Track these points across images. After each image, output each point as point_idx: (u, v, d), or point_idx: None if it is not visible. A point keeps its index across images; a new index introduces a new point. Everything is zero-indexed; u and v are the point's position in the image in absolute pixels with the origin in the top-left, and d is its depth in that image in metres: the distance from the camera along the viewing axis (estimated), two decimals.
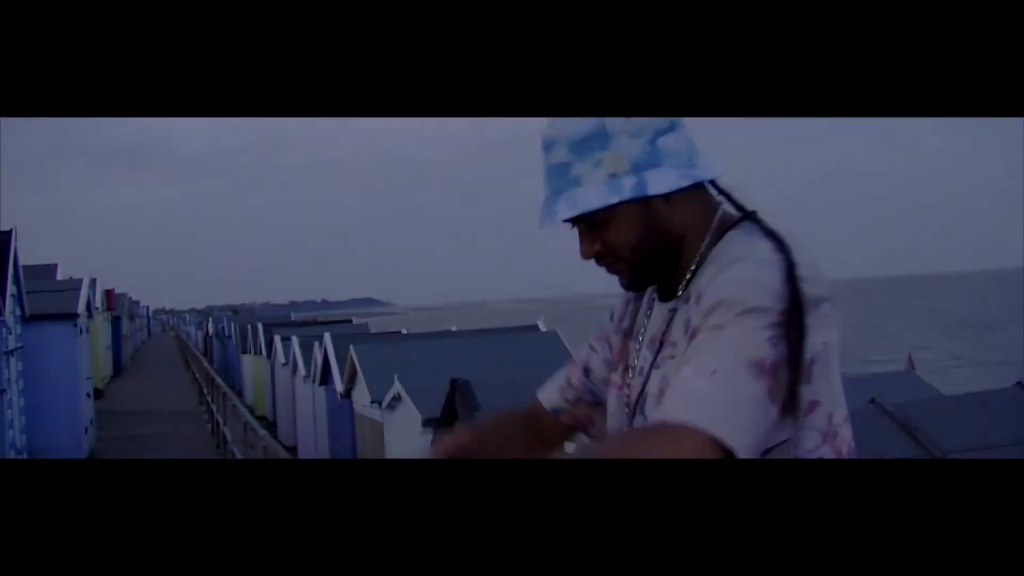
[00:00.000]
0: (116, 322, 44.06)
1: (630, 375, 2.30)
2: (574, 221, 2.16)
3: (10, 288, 18.85)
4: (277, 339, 36.68)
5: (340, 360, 24.96)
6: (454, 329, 29.80)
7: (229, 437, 18.25)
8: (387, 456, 20.37)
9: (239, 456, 15.84)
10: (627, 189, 2.08)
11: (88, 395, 22.40)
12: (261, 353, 41.97)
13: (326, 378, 26.72)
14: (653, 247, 2.15)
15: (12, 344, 18.98)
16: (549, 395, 2.58)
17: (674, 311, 2.18)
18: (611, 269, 2.21)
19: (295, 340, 32.01)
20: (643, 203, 2.11)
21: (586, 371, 2.52)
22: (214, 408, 23.41)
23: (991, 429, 8.29)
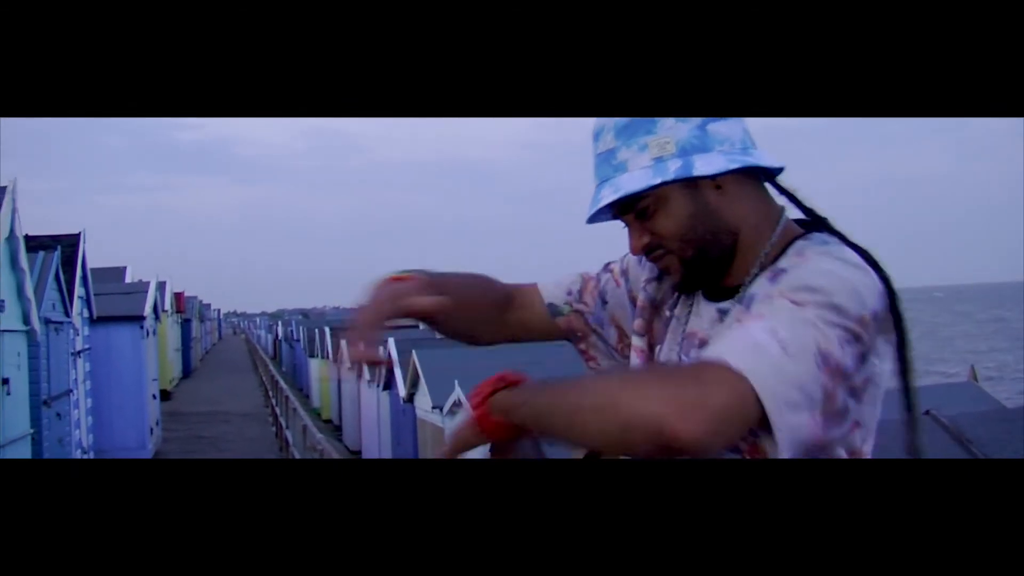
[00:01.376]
0: (186, 324, 44.60)
1: (657, 356, 2.23)
2: (622, 213, 2.08)
3: (78, 290, 19.15)
4: (344, 343, 36.98)
5: (403, 365, 25.01)
6: None
7: (291, 440, 18.37)
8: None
9: (299, 458, 15.95)
10: (671, 171, 2.00)
11: (154, 396, 22.71)
12: (328, 357, 42.36)
13: (390, 383, 26.89)
14: (704, 238, 2.05)
15: (80, 345, 19.27)
16: (551, 291, 2.45)
17: (724, 312, 2.08)
18: (661, 264, 2.12)
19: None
20: (692, 189, 2.03)
21: (603, 301, 2.41)
22: (278, 411, 23.60)
23: None
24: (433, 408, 21.41)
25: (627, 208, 2.06)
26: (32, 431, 15.18)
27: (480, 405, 2.06)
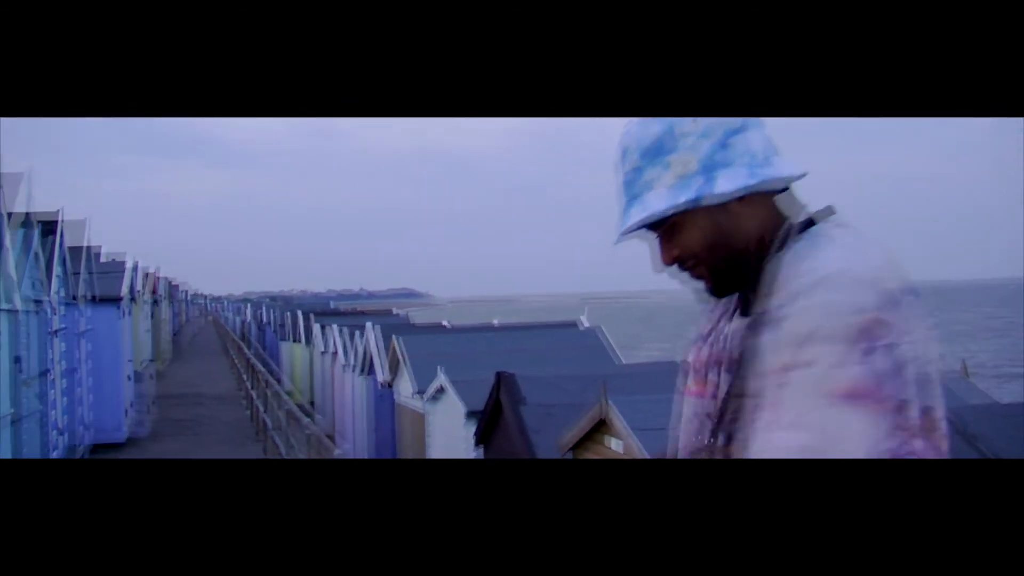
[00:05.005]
0: (156, 306, 44.36)
1: (707, 390, 2.24)
2: (652, 229, 2.13)
3: (56, 270, 18.90)
4: (318, 327, 36.92)
5: (382, 351, 25.23)
6: (495, 323, 30.30)
7: (270, 424, 18.21)
8: (428, 446, 20.85)
9: (279, 444, 15.84)
10: (694, 189, 2.05)
11: (129, 377, 22.49)
12: (301, 341, 42.27)
13: (368, 368, 27.00)
14: (732, 249, 2.11)
15: (56, 325, 19.02)
16: None
17: (749, 329, 2.10)
18: (693, 275, 2.16)
19: (336, 329, 32.24)
20: (716, 204, 2.07)
21: None
22: (253, 394, 23.45)
23: None
24: (415, 393, 21.56)
25: (656, 224, 2.11)
26: (12, 411, 14.96)
27: None
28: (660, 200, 2.06)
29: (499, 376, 15.65)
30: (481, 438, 16.74)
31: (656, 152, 2.08)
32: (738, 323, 2.17)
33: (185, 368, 39.39)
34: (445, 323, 34.75)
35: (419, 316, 45.18)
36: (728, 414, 2.12)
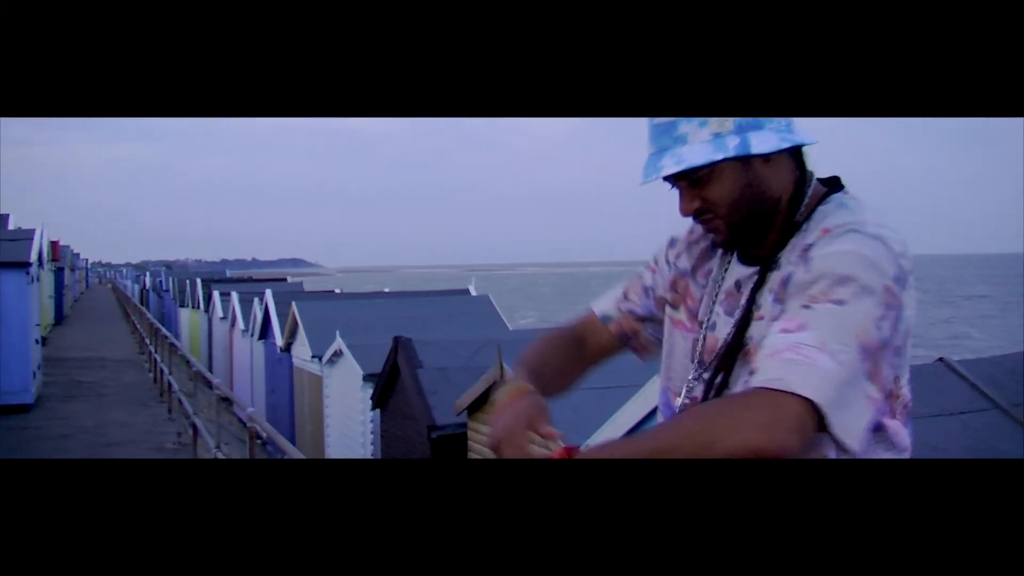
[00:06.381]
0: (59, 273, 44.47)
1: (701, 325, 2.35)
2: (676, 179, 2.21)
3: None
4: (216, 294, 37.55)
5: (281, 316, 25.75)
6: (387, 290, 30.79)
7: (175, 386, 19.11)
8: (325, 407, 21.37)
9: (186, 405, 16.73)
10: (731, 147, 2.13)
11: (36, 341, 22.93)
12: (199, 307, 42.62)
13: (266, 333, 27.67)
14: (751, 206, 2.19)
15: None
16: (603, 305, 2.63)
17: (760, 275, 2.22)
18: (708, 227, 2.25)
19: (235, 295, 32.90)
20: (744, 163, 2.16)
21: (646, 290, 2.55)
22: (157, 357, 24.14)
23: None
24: (312, 357, 22.06)
25: (682, 176, 2.18)
26: None
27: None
28: (696, 154, 2.13)
29: (396, 340, 15.98)
30: (378, 401, 17.14)
31: None
32: (741, 269, 2.29)
33: (87, 333, 39.60)
34: (337, 290, 35.58)
35: (309, 284, 45.55)
36: (728, 353, 2.22)
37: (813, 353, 1.93)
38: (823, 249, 2.08)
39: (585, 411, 9.45)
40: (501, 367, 11.90)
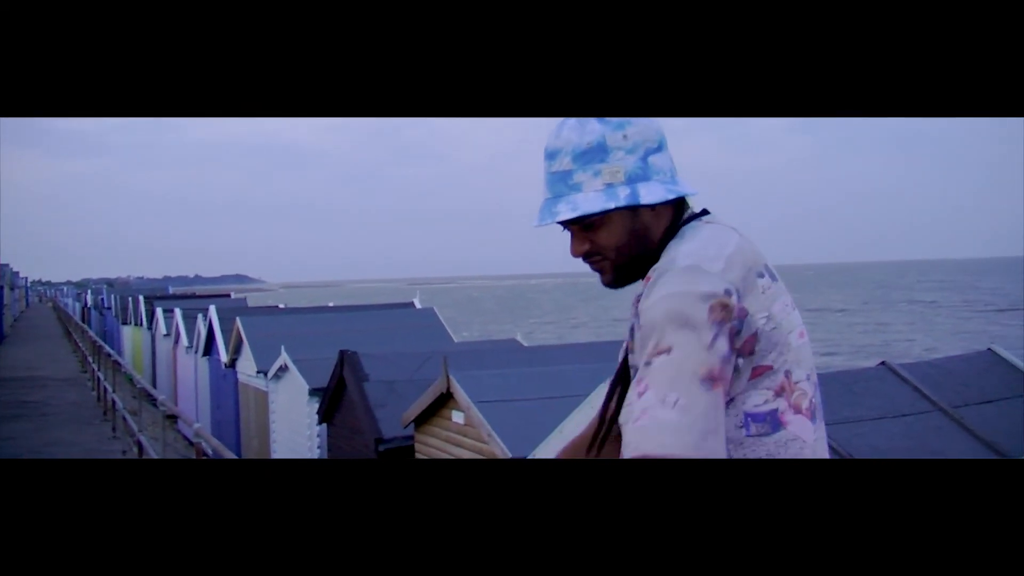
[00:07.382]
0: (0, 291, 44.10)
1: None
2: (568, 223, 2.33)
3: None
4: (159, 311, 37.40)
5: (225, 332, 25.63)
6: (332, 304, 30.77)
7: (119, 404, 19.00)
8: (272, 422, 21.20)
9: (131, 423, 16.63)
10: (622, 197, 2.26)
11: None
12: (142, 324, 42.38)
13: (210, 349, 27.54)
14: (635, 250, 2.33)
15: None
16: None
17: (634, 319, 2.32)
18: (595, 267, 2.38)
19: (178, 312, 32.78)
20: (632, 211, 2.30)
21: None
22: (100, 376, 23.97)
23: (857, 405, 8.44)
24: (258, 373, 21.92)
25: (574, 221, 2.32)
26: None
27: None
28: (590, 202, 2.26)
29: (342, 354, 15.95)
30: (325, 416, 17.08)
31: (588, 159, 2.28)
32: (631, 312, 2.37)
33: (28, 352, 39.19)
34: (281, 305, 35.64)
35: (253, 300, 45.45)
36: (616, 381, 2.39)
37: (658, 412, 2.04)
38: (645, 301, 2.20)
39: (534, 421, 9.57)
40: (448, 379, 11.90)
